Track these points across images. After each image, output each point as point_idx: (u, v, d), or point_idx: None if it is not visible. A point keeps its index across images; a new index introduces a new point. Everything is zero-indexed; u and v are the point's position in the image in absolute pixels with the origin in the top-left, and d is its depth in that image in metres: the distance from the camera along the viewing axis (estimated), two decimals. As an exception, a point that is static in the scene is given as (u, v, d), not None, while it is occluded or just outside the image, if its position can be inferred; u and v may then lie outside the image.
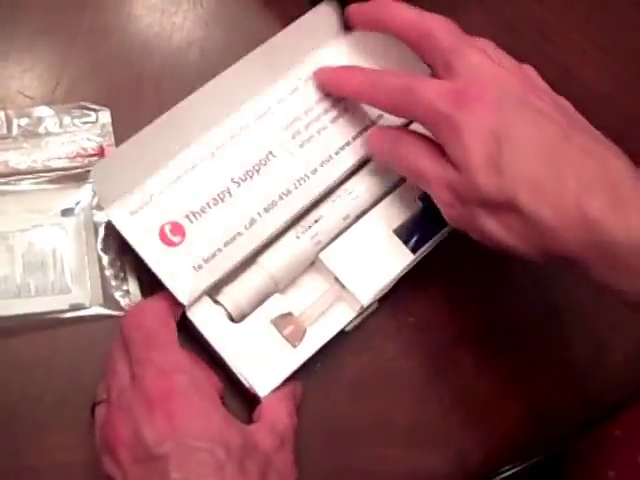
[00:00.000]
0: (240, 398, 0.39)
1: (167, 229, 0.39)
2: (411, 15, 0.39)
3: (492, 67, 0.37)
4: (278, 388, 0.38)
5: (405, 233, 0.41)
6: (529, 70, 0.39)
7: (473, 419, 0.41)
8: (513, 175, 0.33)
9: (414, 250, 0.41)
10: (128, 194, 0.39)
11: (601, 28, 0.51)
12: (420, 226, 0.41)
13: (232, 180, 0.40)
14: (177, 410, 0.33)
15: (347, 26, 0.44)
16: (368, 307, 0.40)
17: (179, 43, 0.47)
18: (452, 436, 0.41)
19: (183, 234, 0.39)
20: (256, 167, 0.41)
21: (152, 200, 0.39)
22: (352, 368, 0.41)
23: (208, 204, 0.40)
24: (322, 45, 0.43)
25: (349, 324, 0.41)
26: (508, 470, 0.42)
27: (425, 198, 0.42)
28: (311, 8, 0.43)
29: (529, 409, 0.42)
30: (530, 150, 0.34)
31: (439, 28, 0.38)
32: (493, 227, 0.35)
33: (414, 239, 0.41)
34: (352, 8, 0.42)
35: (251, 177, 0.40)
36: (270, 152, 0.41)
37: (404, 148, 0.39)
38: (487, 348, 0.42)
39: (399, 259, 0.41)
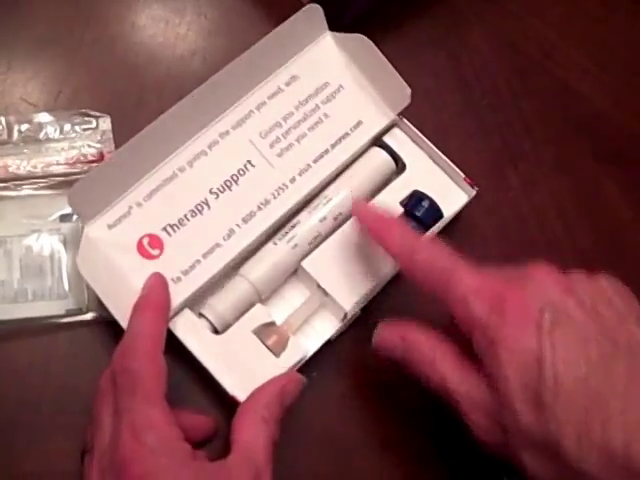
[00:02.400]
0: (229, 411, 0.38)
1: (145, 242, 0.39)
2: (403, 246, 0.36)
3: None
4: (260, 392, 0.36)
5: None
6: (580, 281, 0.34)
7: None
8: (556, 415, 0.30)
9: None
10: (107, 210, 0.39)
11: (601, 45, 0.51)
12: None
13: (210, 191, 0.40)
14: (144, 474, 0.31)
15: (331, 27, 0.43)
16: (352, 315, 0.40)
17: (182, 53, 0.47)
18: (446, 449, 0.41)
19: (162, 247, 0.39)
20: (234, 177, 0.41)
21: (131, 213, 0.39)
22: (347, 377, 0.41)
23: (186, 216, 0.39)
24: (306, 48, 0.43)
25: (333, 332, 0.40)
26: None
27: (407, 203, 0.42)
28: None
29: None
30: (572, 384, 0.30)
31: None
32: (532, 462, 0.32)
33: None
34: (357, 207, 0.40)
35: (229, 188, 0.40)
36: (249, 161, 0.41)
37: (420, 355, 0.35)
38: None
39: (381, 265, 0.40)
